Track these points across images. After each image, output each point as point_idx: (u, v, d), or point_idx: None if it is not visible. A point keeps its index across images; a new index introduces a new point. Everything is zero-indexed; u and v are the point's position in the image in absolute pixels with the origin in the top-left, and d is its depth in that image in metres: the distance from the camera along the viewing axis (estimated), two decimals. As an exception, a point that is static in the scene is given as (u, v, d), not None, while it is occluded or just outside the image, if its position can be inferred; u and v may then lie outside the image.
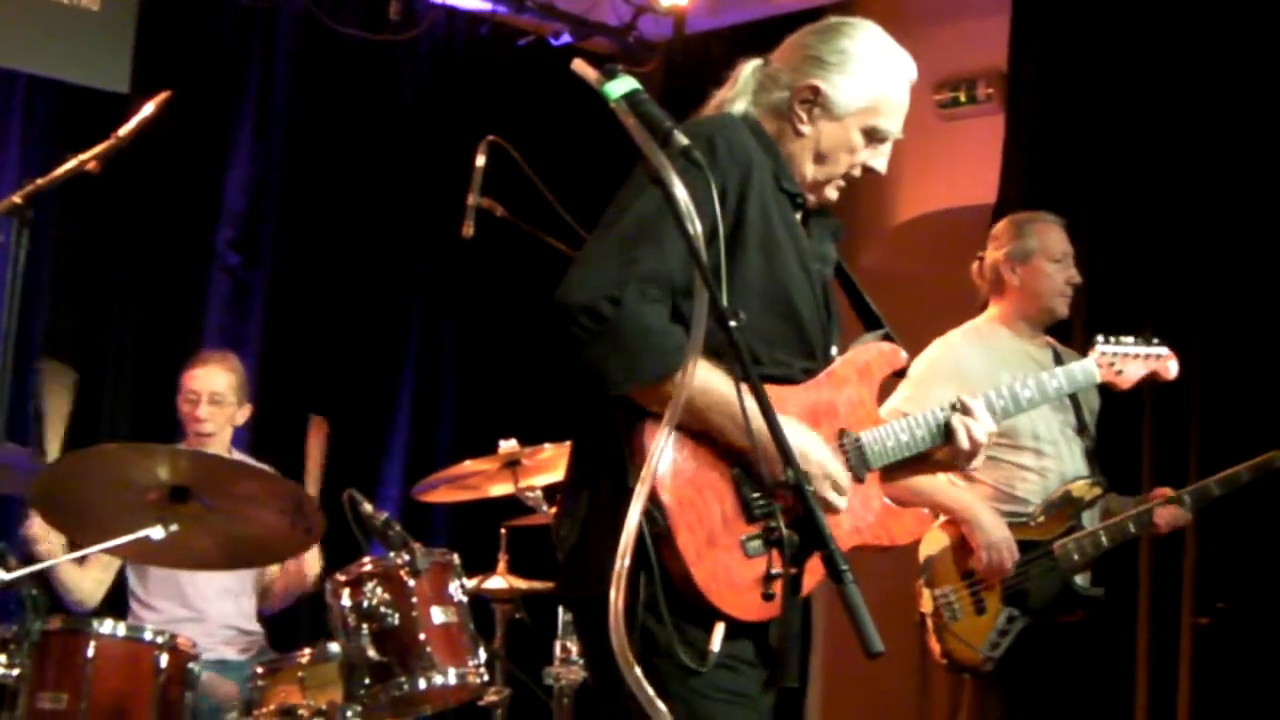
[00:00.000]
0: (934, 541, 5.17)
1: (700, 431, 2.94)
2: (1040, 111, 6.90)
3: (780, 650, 2.42)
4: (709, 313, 2.49)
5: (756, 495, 2.56)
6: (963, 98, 7.42)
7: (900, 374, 3.43)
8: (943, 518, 5.17)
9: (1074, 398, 5.27)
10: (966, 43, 7.49)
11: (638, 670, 2.41)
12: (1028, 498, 5.13)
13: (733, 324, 2.51)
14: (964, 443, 3.36)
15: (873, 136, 3.30)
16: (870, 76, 3.28)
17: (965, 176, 7.39)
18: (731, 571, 2.93)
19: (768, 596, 2.49)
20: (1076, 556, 5.06)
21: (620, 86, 2.66)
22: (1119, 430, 5.59)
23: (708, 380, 2.85)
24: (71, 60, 6.92)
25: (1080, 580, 5.09)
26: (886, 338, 3.38)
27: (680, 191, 2.53)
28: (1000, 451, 5.15)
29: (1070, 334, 5.83)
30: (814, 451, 3.03)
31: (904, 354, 3.38)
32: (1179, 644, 6.03)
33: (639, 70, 7.51)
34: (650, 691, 2.40)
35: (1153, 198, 6.47)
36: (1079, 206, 6.46)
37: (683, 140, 2.62)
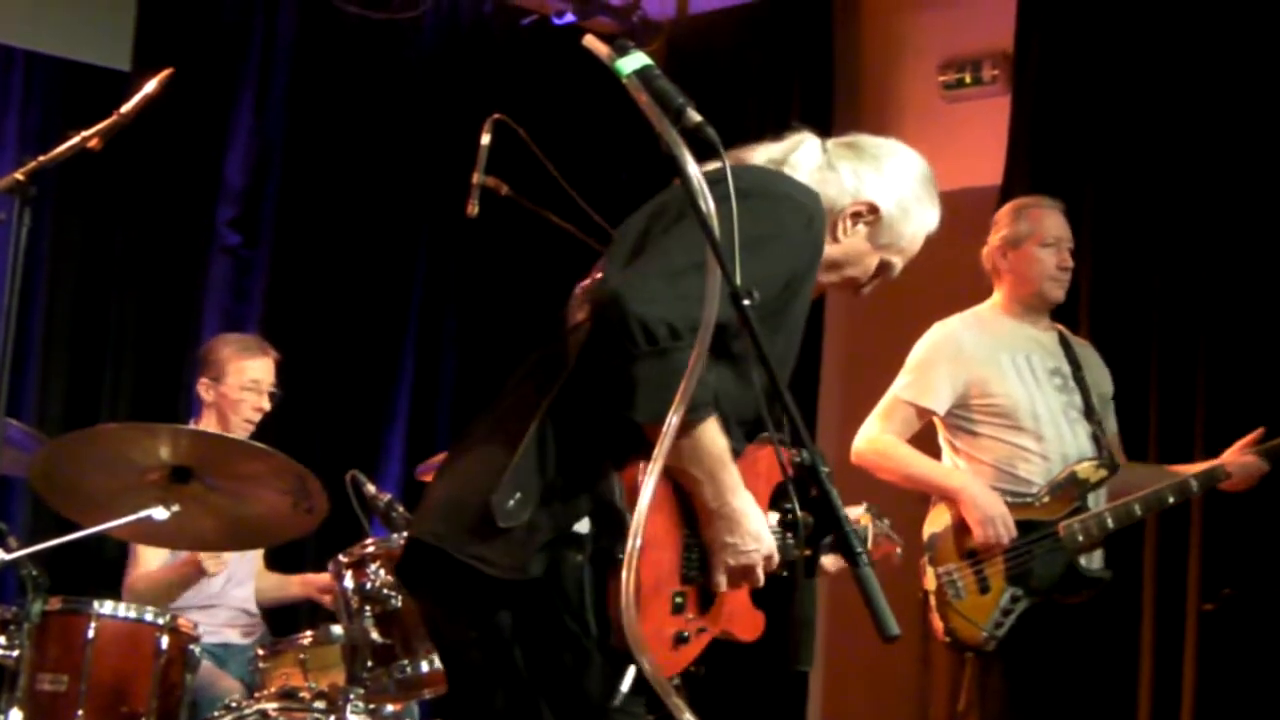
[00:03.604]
0: (938, 519, 5.18)
1: (675, 478, 2.90)
2: (1046, 93, 6.87)
3: (794, 635, 2.41)
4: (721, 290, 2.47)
5: (694, 557, 2.88)
6: (968, 79, 7.39)
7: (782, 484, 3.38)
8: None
9: (1082, 381, 5.27)
10: (972, 24, 7.47)
11: (648, 659, 2.38)
12: (1030, 478, 5.13)
13: (746, 303, 2.49)
14: (897, 549, 3.55)
15: (880, 270, 3.33)
16: (917, 219, 3.31)
17: (970, 158, 7.35)
18: (660, 623, 2.91)
19: (684, 649, 2.73)
20: (1081, 538, 5.05)
21: (632, 62, 2.65)
22: (1125, 415, 5.56)
23: (714, 431, 2.85)
24: (72, 37, 6.89)
25: (1085, 561, 5.08)
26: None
27: (693, 169, 2.51)
28: (1002, 432, 5.16)
29: (1075, 316, 5.82)
30: (765, 530, 2.97)
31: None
32: (1184, 629, 6.01)
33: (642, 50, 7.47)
34: (664, 680, 2.37)
35: (1158, 179, 6.45)
36: (1084, 188, 6.45)
37: (696, 117, 2.60)
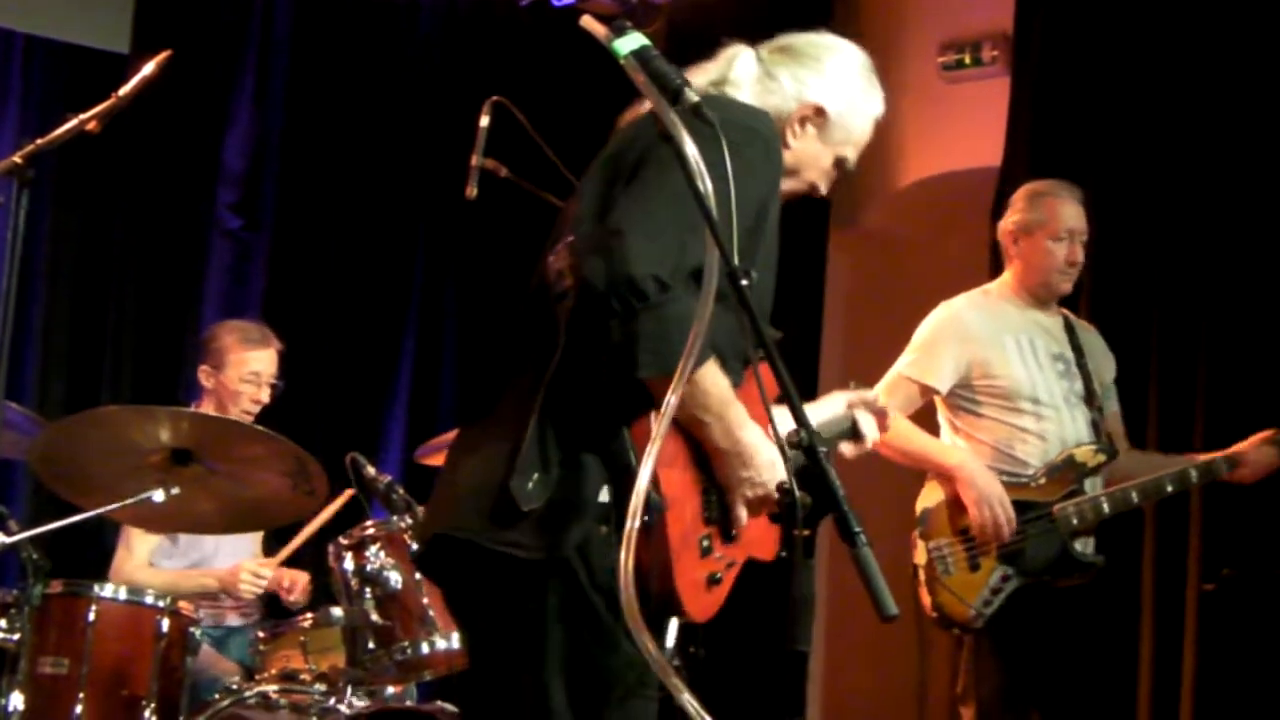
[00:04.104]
0: (931, 495, 5.17)
1: (685, 427, 2.90)
2: (1046, 74, 6.86)
3: (792, 615, 2.41)
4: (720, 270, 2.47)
5: (713, 499, 2.92)
6: (968, 60, 7.37)
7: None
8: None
9: (1084, 366, 5.26)
10: (971, 4, 7.46)
11: (647, 636, 2.38)
12: (1027, 460, 5.12)
13: (744, 283, 2.49)
14: (869, 439, 3.44)
15: (838, 165, 3.35)
16: (863, 110, 3.33)
17: (969, 139, 7.35)
18: (694, 572, 2.92)
19: (718, 589, 2.77)
20: (1076, 521, 5.04)
21: (630, 43, 2.65)
22: (1126, 402, 5.56)
23: (715, 373, 2.86)
24: (72, 20, 6.89)
25: (1079, 545, 5.08)
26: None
27: (691, 149, 2.51)
28: (1001, 413, 5.16)
29: (1075, 300, 5.80)
30: (777, 458, 2.94)
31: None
32: (1184, 610, 6.01)
33: (641, 31, 7.45)
34: (664, 660, 2.37)
35: (1159, 161, 6.43)
36: (1084, 170, 6.41)
37: (694, 98, 2.61)
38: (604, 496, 2.84)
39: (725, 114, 2.83)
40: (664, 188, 2.80)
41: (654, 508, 2.81)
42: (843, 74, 3.30)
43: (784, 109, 3.24)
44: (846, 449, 3.42)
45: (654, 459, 2.49)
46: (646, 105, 3.05)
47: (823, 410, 3.48)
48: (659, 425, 2.49)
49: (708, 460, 2.95)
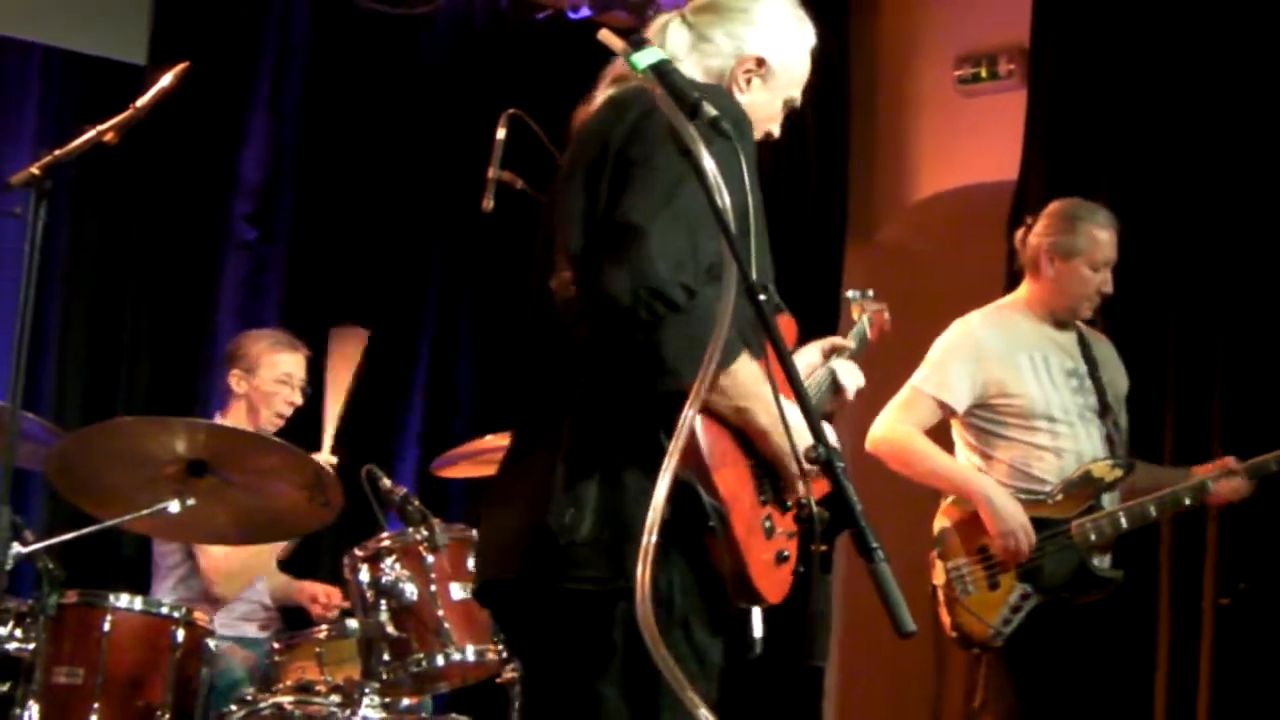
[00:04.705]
0: (949, 514, 5.16)
1: (726, 417, 2.91)
2: (1062, 88, 6.85)
3: (809, 630, 2.40)
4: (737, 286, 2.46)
5: (765, 482, 2.93)
6: (984, 74, 7.37)
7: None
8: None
9: (1098, 380, 5.25)
10: (988, 18, 7.46)
11: (664, 650, 2.37)
12: (1044, 477, 5.12)
13: (762, 297, 2.49)
14: (850, 388, 3.47)
15: (787, 106, 3.35)
16: (799, 48, 3.33)
17: (986, 153, 7.35)
18: (763, 554, 2.93)
19: (787, 565, 2.73)
20: (1094, 537, 5.03)
21: (648, 57, 2.65)
22: (1142, 414, 5.55)
23: (745, 361, 2.87)
24: (88, 31, 6.91)
25: (1098, 561, 5.07)
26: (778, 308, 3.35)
27: (709, 163, 2.51)
28: (1017, 432, 5.15)
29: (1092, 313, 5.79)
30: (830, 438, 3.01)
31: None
32: (1200, 624, 5.99)
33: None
34: (680, 675, 2.36)
35: (1175, 174, 6.42)
36: (1100, 183, 6.42)
37: (711, 111, 2.60)
38: (665, 514, 2.84)
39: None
40: (665, 189, 2.80)
41: (717, 514, 2.83)
42: (773, 18, 3.29)
43: (725, 68, 3.24)
44: (828, 405, 3.43)
45: (671, 472, 2.47)
46: (597, 102, 3.07)
47: (798, 363, 3.49)
48: (675, 441, 2.47)
49: (751, 446, 2.95)
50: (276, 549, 5.71)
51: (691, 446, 2.82)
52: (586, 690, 2.88)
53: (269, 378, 5.78)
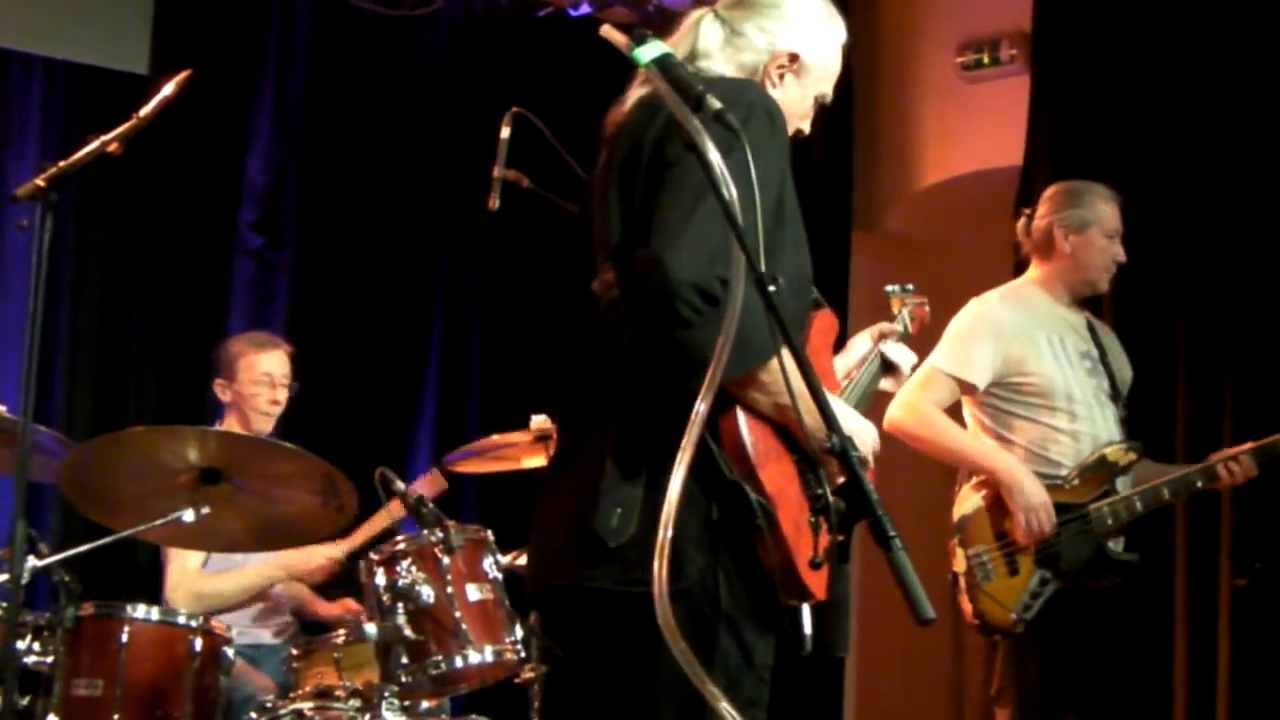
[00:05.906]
0: (969, 501, 5.16)
1: (768, 414, 2.91)
2: (1065, 72, 6.84)
3: (828, 620, 2.40)
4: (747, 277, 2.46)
5: (810, 478, 2.91)
6: (986, 59, 7.36)
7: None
8: (976, 478, 5.15)
9: (1107, 365, 5.25)
10: (989, 3, 7.45)
11: (684, 644, 2.37)
12: (1061, 460, 5.11)
13: (771, 289, 2.48)
14: (905, 365, 3.53)
15: (818, 101, 3.35)
16: (831, 43, 3.32)
17: (990, 139, 7.34)
18: (810, 551, 2.89)
19: (815, 565, 2.63)
20: (1110, 521, 5.03)
21: (651, 51, 2.64)
22: (1152, 402, 5.54)
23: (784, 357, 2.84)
24: (90, 42, 6.91)
25: (1113, 545, 5.06)
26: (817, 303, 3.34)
27: (715, 156, 2.51)
28: (1035, 412, 5.14)
29: (1099, 300, 5.78)
30: (864, 429, 3.05)
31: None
32: (1217, 606, 5.98)
33: (661, 39, 7.45)
34: (700, 670, 2.35)
35: (1181, 159, 6.41)
36: (1105, 168, 6.39)
37: (715, 104, 2.60)
38: (713, 514, 2.85)
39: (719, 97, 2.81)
40: (701, 186, 2.76)
41: (763, 511, 2.83)
42: (805, 14, 3.28)
43: (759, 63, 3.23)
44: (887, 384, 3.44)
45: (685, 467, 2.46)
46: (629, 103, 3.07)
47: (852, 354, 3.49)
48: (690, 433, 2.46)
49: (795, 443, 2.95)
50: (263, 593, 5.72)
51: (736, 444, 2.83)
52: (638, 690, 2.89)
53: (248, 380, 5.79)
